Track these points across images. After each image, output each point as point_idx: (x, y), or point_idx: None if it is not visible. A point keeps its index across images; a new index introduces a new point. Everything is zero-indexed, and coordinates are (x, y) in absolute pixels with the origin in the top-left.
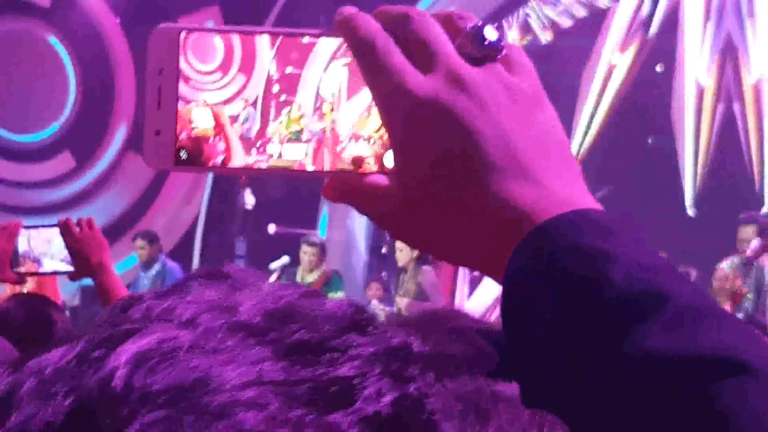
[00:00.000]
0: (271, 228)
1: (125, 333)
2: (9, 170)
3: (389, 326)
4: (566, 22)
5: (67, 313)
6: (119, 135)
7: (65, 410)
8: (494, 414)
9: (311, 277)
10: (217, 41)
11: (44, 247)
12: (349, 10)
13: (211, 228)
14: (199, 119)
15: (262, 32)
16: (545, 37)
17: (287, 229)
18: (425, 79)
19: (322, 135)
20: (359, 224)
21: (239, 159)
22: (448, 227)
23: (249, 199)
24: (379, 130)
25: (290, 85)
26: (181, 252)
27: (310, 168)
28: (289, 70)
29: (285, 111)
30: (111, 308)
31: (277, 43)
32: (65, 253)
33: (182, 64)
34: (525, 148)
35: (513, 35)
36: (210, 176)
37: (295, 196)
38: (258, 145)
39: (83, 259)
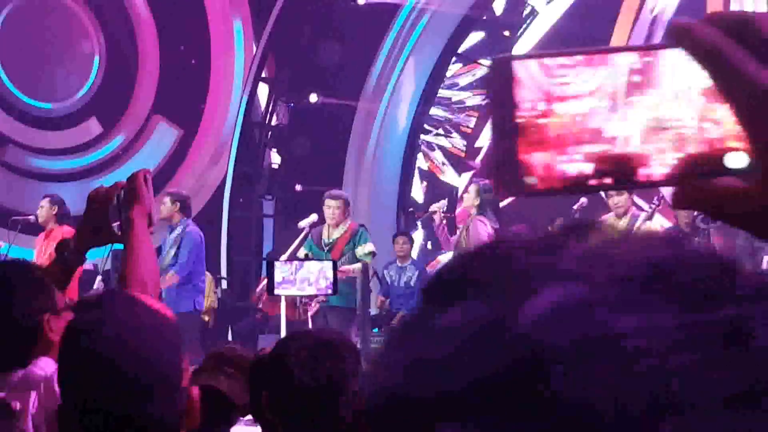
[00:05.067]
0: (298, 186)
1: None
2: (37, 138)
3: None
4: None
5: (99, 277)
6: (144, 100)
7: (498, 365)
8: None
9: (337, 232)
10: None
11: None
12: (684, 20)
13: (238, 188)
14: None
15: (599, 51)
16: None
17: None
18: None
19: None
20: (387, 180)
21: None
22: None
23: (275, 159)
24: (716, 131)
25: (642, 85)
26: (210, 212)
27: (671, 158)
28: (636, 79)
29: (639, 100)
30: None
31: (635, 54)
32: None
33: (552, 83)
34: None
35: None
36: (236, 137)
37: (319, 153)
38: (615, 137)
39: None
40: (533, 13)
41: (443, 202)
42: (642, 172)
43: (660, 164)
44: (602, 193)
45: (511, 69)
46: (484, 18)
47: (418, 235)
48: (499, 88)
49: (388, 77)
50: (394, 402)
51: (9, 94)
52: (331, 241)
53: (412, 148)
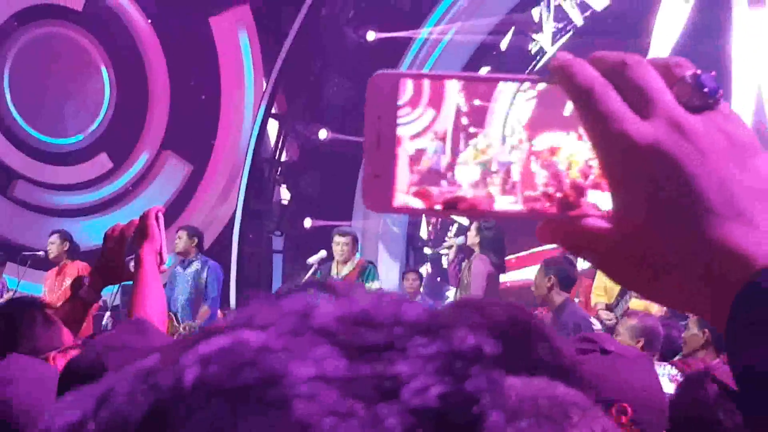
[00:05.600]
0: (307, 222)
1: (203, 335)
2: (47, 173)
3: (474, 329)
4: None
5: (108, 312)
6: (154, 135)
7: (144, 409)
8: (560, 418)
9: (346, 269)
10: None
11: None
12: (565, 56)
13: (248, 224)
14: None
15: (462, 77)
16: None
17: (323, 223)
18: (646, 125)
19: (510, 167)
20: (396, 216)
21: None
22: (665, 268)
23: (284, 194)
24: (574, 168)
25: (478, 117)
26: (219, 248)
27: (502, 202)
28: (476, 102)
29: (472, 142)
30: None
31: (465, 81)
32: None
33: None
34: (744, 194)
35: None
36: (245, 172)
37: (329, 189)
38: (447, 177)
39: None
40: (541, 51)
41: (462, 238)
42: (509, 205)
43: (526, 198)
44: None
45: (396, 85)
46: (494, 53)
47: (425, 269)
48: (380, 102)
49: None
50: None
51: (20, 130)
52: (339, 277)
53: None
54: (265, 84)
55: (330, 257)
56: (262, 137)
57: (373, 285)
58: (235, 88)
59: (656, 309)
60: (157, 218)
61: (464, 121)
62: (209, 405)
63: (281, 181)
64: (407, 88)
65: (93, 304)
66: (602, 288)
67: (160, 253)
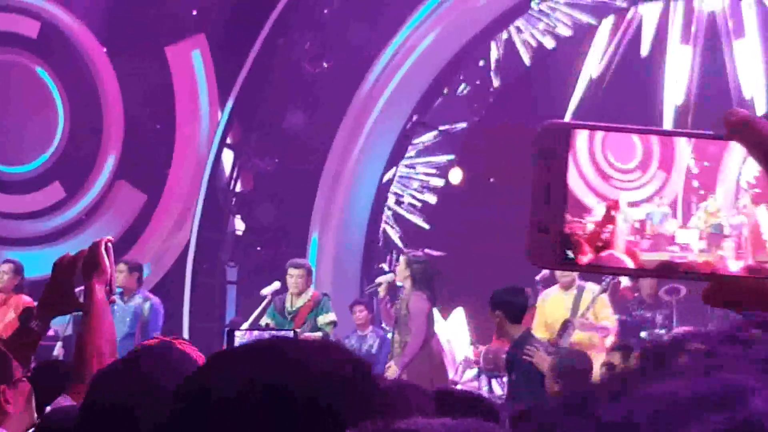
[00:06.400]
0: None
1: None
2: None
3: None
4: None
5: (60, 343)
6: (108, 165)
7: None
8: None
9: (300, 301)
10: (635, 138)
11: None
12: (743, 112)
13: (202, 254)
14: (597, 218)
15: (655, 132)
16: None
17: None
18: None
19: (741, 229)
20: (351, 248)
21: (640, 258)
22: None
23: (239, 225)
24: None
25: (708, 180)
26: (173, 279)
27: (733, 266)
28: (706, 164)
29: (703, 205)
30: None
31: (693, 142)
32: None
33: (596, 160)
34: None
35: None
36: (200, 202)
37: (283, 221)
38: (675, 241)
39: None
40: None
41: (391, 275)
42: (683, 266)
43: (710, 257)
44: None
45: (569, 137)
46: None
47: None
48: (553, 154)
49: (354, 141)
50: None
51: None
52: (294, 309)
53: (376, 216)
54: (220, 114)
55: (284, 289)
56: (217, 167)
57: (327, 318)
58: (190, 117)
59: (597, 341)
60: (106, 249)
61: (694, 183)
62: None
63: (235, 212)
64: (581, 138)
65: (43, 335)
66: (543, 324)
67: (110, 284)
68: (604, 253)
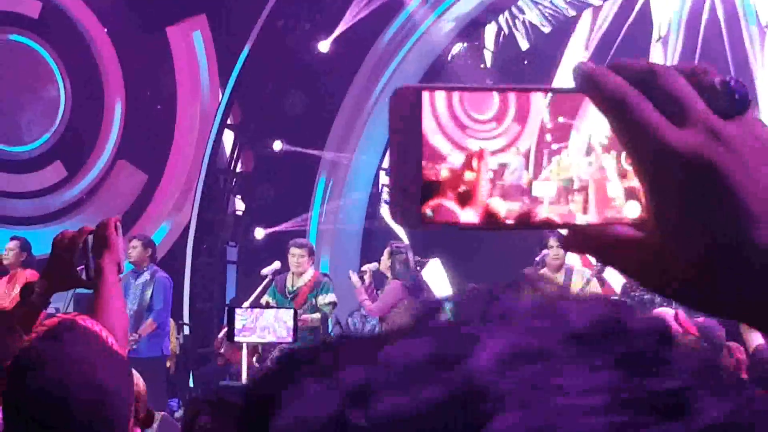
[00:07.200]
0: (259, 233)
1: (473, 335)
2: (1, 181)
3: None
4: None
5: None
6: (109, 144)
7: (426, 401)
8: None
9: (301, 281)
10: (494, 94)
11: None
12: (588, 65)
13: (202, 235)
14: (456, 170)
15: (498, 89)
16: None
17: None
18: (685, 134)
19: (587, 184)
20: (350, 231)
21: (501, 209)
22: (703, 276)
23: (239, 205)
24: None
25: (562, 134)
26: (173, 259)
27: (580, 218)
28: (561, 119)
29: (555, 159)
30: (423, 309)
31: (549, 96)
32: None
33: (455, 114)
34: None
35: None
36: (200, 183)
37: (284, 199)
38: (528, 193)
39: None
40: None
41: (375, 264)
42: (540, 215)
43: (559, 210)
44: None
45: (420, 99)
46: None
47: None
48: (405, 117)
49: (352, 127)
50: (339, 428)
51: None
52: (294, 289)
53: (376, 200)
54: (221, 94)
55: (284, 268)
56: (218, 147)
57: (327, 298)
58: (191, 98)
59: None
60: (116, 228)
61: (548, 137)
62: (503, 411)
63: (236, 192)
64: (435, 101)
65: (42, 311)
66: None
67: (119, 263)
68: (463, 210)
